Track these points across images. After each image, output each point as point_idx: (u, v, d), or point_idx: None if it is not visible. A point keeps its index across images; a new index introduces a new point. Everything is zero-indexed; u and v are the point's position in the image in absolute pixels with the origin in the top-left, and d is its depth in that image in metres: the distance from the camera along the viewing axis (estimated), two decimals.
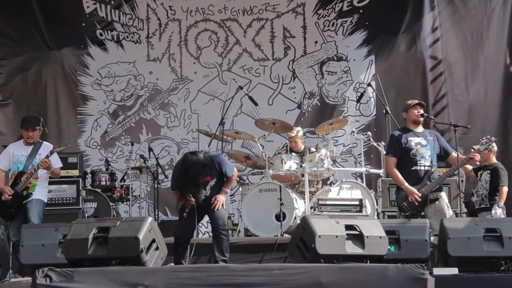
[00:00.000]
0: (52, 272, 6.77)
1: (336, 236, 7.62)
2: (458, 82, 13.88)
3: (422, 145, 9.25)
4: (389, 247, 7.97)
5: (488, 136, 9.55)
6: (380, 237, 7.78)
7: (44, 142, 10.08)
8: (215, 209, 8.74)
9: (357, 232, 7.72)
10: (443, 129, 12.96)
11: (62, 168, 10.30)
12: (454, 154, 9.39)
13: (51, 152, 9.72)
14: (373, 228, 7.83)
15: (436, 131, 11.50)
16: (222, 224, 8.74)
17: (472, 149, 9.53)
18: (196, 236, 11.21)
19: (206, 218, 9.14)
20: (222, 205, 8.79)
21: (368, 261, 7.63)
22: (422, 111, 9.41)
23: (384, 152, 10.28)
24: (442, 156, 9.43)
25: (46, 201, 9.91)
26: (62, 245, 8.07)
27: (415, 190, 9.05)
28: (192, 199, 8.62)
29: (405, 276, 6.99)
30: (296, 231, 8.27)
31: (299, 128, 11.99)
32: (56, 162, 9.95)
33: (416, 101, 9.55)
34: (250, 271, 7.06)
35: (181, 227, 8.85)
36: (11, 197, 9.59)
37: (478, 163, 9.88)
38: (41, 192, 9.82)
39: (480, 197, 10.83)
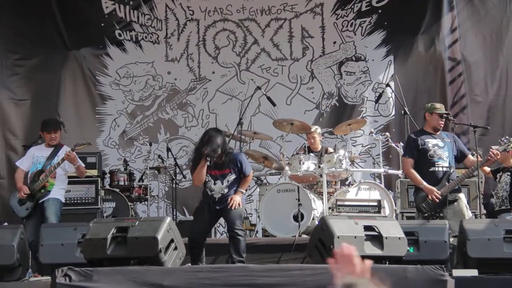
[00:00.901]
0: (72, 271, 6.81)
1: (355, 237, 7.61)
2: (478, 82, 13.81)
3: (440, 147, 9.22)
4: (408, 248, 7.95)
5: (507, 137, 9.50)
6: (399, 238, 7.76)
7: (65, 146, 10.16)
8: (231, 208, 8.71)
9: (376, 233, 7.71)
10: (462, 130, 12.92)
11: None
12: (471, 156, 9.39)
13: (72, 150, 9.78)
14: (392, 229, 7.81)
15: (455, 132, 11.51)
16: (238, 224, 8.71)
17: (491, 149, 9.48)
18: (214, 236, 11.26)
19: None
20: (239, 204, 8.77)
21: (387, 262, 7.62)
22: (442, 123, 9.38)
23: (402, 153, 10.25)
24: (459, 158, 9.40)
25: (63, 200, 9.96)
26: (81, 244, 8.11)
27: (434, 189, 9.02)
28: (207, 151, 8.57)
29: (424, 278, 6.98)
30: (314, 232, 8.27)
31: (317, 126, 11.99)
32: (78, 161, 10.01)
33: (445, 112, 9.50)
34: (269, 271, 7.07)
35: (194, 230, 8.83)
36: (26, 196, 9.65)
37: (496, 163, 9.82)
38: (58, 191, 9.86)
39: (500, 199, 10.78)
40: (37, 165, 9.92)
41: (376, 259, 7.57)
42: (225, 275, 6.99)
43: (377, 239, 7.70)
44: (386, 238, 7.68)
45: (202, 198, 9.06)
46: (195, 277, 6.95)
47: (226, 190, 8.81)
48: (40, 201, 9.73)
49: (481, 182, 11.59)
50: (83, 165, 10.17)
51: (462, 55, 13.85)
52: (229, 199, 8.76)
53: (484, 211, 11.34)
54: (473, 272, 7.79)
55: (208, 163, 8.64)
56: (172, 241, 7.80)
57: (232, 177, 8.83)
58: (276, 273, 7.04)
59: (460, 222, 8.33)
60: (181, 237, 8.23)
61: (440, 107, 9.50)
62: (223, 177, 8.80)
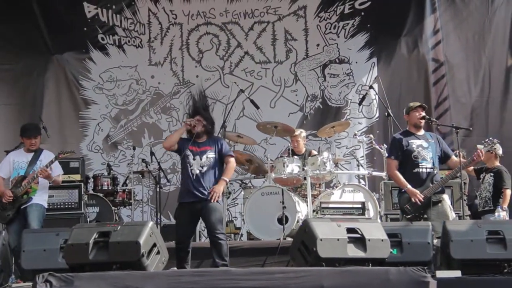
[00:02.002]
0: (52, 277, 6.76)
1: (338, 239, 7.59)
2: (461, 84, 13.84)
3: (424, 148, 9.23)
4: (391, 250, 7.93)
5: (490, 138, 9.53)
6: (382, 240, 7.75)
7: (45, 150, 10.14)
8: (211, 212, 8.68)
9: (359, 235, 7.69)
10: (445, 132, 12.93)
11: (64, 173, 10.34)
12: (454, 157, 9.39)
13: (55, 158, 9.79)
14: (374, 231, 7.80)
15: (438, 134, 11.51)
16: (219, 228, 8.71)
17: (478, 148, 9.47)
18: (199, 240, 11.24)
19: None
20: (218, 196, 8.74)
21: (370, 264, 7.60)
22: (423, 114, 9.38)
23: (386, 155, 10.25)
24: (443, 159, 9.40)
25: (46, 206, 9.93)
26: (63, 250, 8.06)
27: (418, 191, 9.02)
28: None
29: (407, 279, 6.96)
30: (297, 235, 8.24)
31: (302, 129, 11.99)
32: (57, 170, 9.99)
33: (418, 104, 9.52)
34: (252, 275, 7.04)
35: (180, 232, 8.84)
36: (11, 198, 9.61)
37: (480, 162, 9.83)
38: (41, 197, 9.84)
39: (484, 200, 10.80)
40: (18, 171, 9.87)
41: (359, 261, 7.58)
42: (207, 279, 6.96)
43: (360, 241, 7.67)
44: (369, 240, 7.66)
45: (179, 193, 9.05)
46: (177, 281, 6.91)
47: (204, 169, 8.81)
48: (23, 206, 9.68)
49: (465, 183, 11.61)
50: (61, 173, 10.10)
51: (445, 57, 13.88)
52: (210, 190, 8.73)
53: (468, 212, 11.36)
54: (457, 273, 7.77)
55: (188, 127, 8.89)
56: (154, 245, 7.75)
57: (211, 154, 8.87)
58: (259, 276, 7.01)
59: (443, 223, 8.31)
60: (166, 241, 8.21)
61: (413, 104, 9.53)
62: (202, 154, 8.85)
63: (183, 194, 8.95)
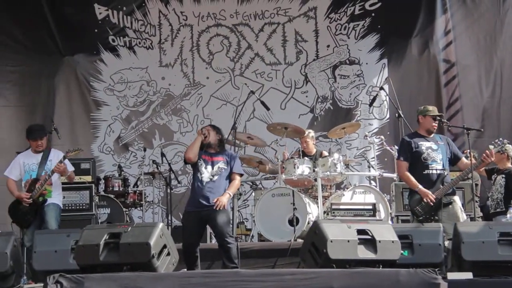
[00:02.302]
0: (63, 278, 6.78)
1: (348, 241, 7.59)
2: (472, 85, 13.81)
3: (433, 150, 9.20)
4: (402, 251, 7.92)
5: (501, 139, 9.51)
6: (393, 242, 7.74)
7: (53, 149, 10.20)
8: (217, 216, 8.71)
9: (369, 237, 7.68)
10: (457, 133, 12.91)
11: (75, 174, 10.37)
12: (464, 159, 9.37)
13: (64, 157, 9.76)
14: (385, 233, 7.79)
15: (450, 135, 11.50)
16: (226, 232, 8.76)
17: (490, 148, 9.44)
18: (210, 242, 11.23)
19: None
20: (224, 206, 8.76)
21: (381, 266, 7.59)
22: (436, 125, 9.37)
23: (396, 156, 10.22)
24: (453, 161, 9.37)
25: (62, 206, 9.96)
26: (74, 251, 8.08)
27: (429, 192, 8.99)
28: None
29: (417, 281, 6.96)
30: (307, 236, 8.24)
31: (310, 130, 11.98)
32: (69, 166, 9.98)
33: (438, 113, 9.48)
34: (261, 276, 7.05)
35: (187, 238, 8.86)
36: (30, 200, 9.62)
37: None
38: (57, 197, 9.86)
39: (495, 201, 10.74)
40: (30, 173, 9.87)
41: (370, 262, 7.57)
42: (217, 280, 6.97)
43: (370, 242, 7.67)
44: (380, 241, 7.65)
45: (188, 199, 9.11)
46: (187, 282, 6.92)
47: (215, 178, 8.89)
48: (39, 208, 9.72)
49: (477, 184, 11.58)
50: (72, 169, 10.11)
51: (456, 58, 13.85)
52: (215, 200, 8.75)
53: (480, 214, 11.34)
54: (468, 275, 7.75)
55: (202, 137, 8.96)
56: (164, 246, 7.78)
57: (222, 165, 8.95)
58: (268, 278, 7.02)
59: (455, 225, 8.30)
60: (177, 242, 8.22)
61: (432, 109, 9.48)
62: (214, 163, 8.93)
63: (190, 201, 9.03)
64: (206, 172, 8.89)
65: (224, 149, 9.18)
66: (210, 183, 8.85)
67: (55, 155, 9.94)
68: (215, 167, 8.91)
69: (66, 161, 9.84)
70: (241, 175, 9.22)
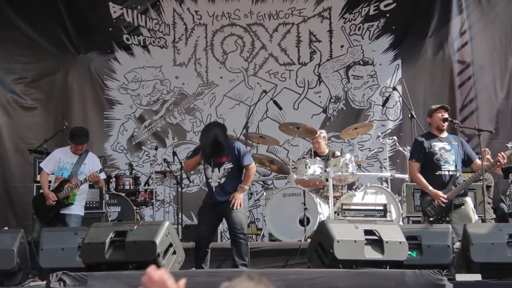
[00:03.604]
0: (66, 276, 6.79)
1: (355, 241, 7.56)
2: (487, 86, 13.73)
3: (446, 150, 9.16)
4: (410, 252, 7.88)
5: None
6: (400, 243, 7.70)
7: (90, 152, 10.31)
8: (233, 211, 8.63)
9: (376, 237, 7.65)
10: (470, 134, 12.83)
11: None
12: (478, 160, 9.31)
13: (101, 170, 9.96)
14: (392, 233, 7.75)
15: (463, 136, 11.43)
16: (240, 228, 8.64)
17: (499, 154, 9.38)
18: (220, 241, 11.23)
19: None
20: (240, 204, 8.67)
21: (388, 267, 7.55)
22: (446, 115, 9.30)
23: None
24: (466, 162, 9.34)
25: (83, 214, 10.05)
26: (80, 249, 8.09)
27: (440, 193, 8.94)
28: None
29: (423, 282, 6.91)
30: (314, 236, 8.23)
31: (322, 130, 11.94)
32: (102, 174, 10.16)
33: (439, 105, 9.45)
34: (266, 275, 6.99)
35: (201, 230, 8.80)
36: (54, 203, 9.73)
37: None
38: (80, 203, 9.98)
39: None
40: (63, 171, 10.01)
41: (376, 263, 7.53)
42: (222, 280, 6.89)
43: (377, 243, 7.63)
44: (387, 242, 7.62)
45: (204, 197, 9.04)
46: (192, 281, 6.89)
47: (223, 179, 8.75)
48: (62, 211, 9.83)
49: (490, 186, 11.50)
50: (104, 177, 10.34)
51: (472, 58, 13.77)
52: (231, 197, 8.67)
53: (493, 216, 11.27)
54: (477, 277, 7.72)
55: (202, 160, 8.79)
56: (170, 245, 7.77)
57: (229, 165, 8.76)
58: (273, 278, 6.94)
59: (464, 226, 8.27)
60: (188, 241, 8.21)
61: (434, 106, 9.49)
62: (220, 165, 8.75)
63: (207, 195, 8.95)
64: (213, 176, 8.77)
65: (227, 144, 8.78)
66: (219, 186, 8.75)
67: (91, 159, 10.13)
68: (221, 170, 8.75)
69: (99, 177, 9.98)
70: (251, 163, 8.93)
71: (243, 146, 9.20)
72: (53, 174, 10.07)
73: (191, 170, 8.94)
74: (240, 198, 8.68)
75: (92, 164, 10.02)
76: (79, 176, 9.89)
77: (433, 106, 9.50)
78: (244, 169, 8.86)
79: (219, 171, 8.76)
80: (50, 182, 10.10)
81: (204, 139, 8.73)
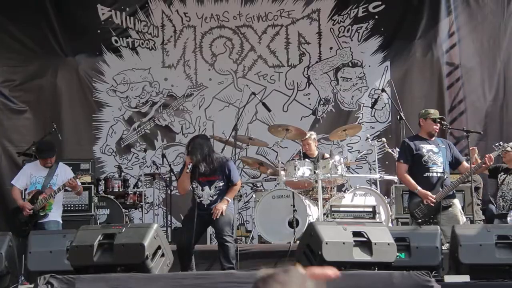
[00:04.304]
0: (54, 279, 6.76)
1: (343, 243, 7.55)
2: (475, 88, 13.75)
3: (434, 152, 9.18)
4: (398, 254, 7.88)
5: (501, 142, 9.51)
6: (388, 244, 7.70)
7: (60, 163, 10.29)
8: (214, 218, 8.67)
9: (365, 239, 7.64)
10: (459, 136, 12.87)
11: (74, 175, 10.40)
12: (465, 163, 9.35)
13: (75, 177, 9.93)
14: (381, 235, 7.74)
15: (452, 138, 11.45)
16: (227, 231, 8.68)
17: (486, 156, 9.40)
18: (210, 243, 11.22)
19: None
20: (222, 213, 8.69)
21: (376, 268, 7.55)
22: (438, 128, 9.33)
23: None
24: (454, 165, 9.36)
25: (61, 221, 10.03)
26: (68, 251, 8.06)
27: (429, 193, 8.95)
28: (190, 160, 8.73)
29: (411, 283, 6.92)
30: (303, 238, 8.21)
31: (312, 132, 11.95)
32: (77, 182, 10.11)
33: (439, 116, 9.44)
34: (254, 277, 6.96)
35: (182, 239, 8.80)
36: (31, 212, 9.71)
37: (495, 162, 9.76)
38: (57, 211, 9.97)
39: (509, 202, 10.69)
40: (36, 185, 10.00)
41: (365, 265, 7.53)
42: (210, 282, 6.95)
43: (366, 245, 7.62)
44: (375, 244, 7.61)
45: (191, 206, 9.02)
46: (179, 284, 6.89)
47: (215, 197, 8.79)
48: (40, 221, 9.82)
49: (479, 188, 11.53)
50: (80, 185, 10.23)
51: (460, 60, 13.79)
52: (213, 208, 8.71)
53: (482, 217, 11.29)
54: (465, 278, 7.73)
55: (187, 170, 8.73)
56: (159, 247, 7.75)
57: (220, 183, 8.83)
58: None
59: (452, 228, 8.27)
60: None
61: (434, 112, 9.46)
62: (210, 183, 8.81)
63: (192, 208, 8.94)
64: (204, 195, 8.80)
65: (217, 163, 8.84)
66: (210, 203, 8.79)
67: (62, 170, 10.11)
68: (212, 188, 8.79)
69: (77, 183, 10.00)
70: (239, 180, 9.18)
71: (233, 165, 9.27)
72: (25, 190, 10.08)
73: (186, 189, 8.86)
74: (222, 209, 8.71)
75: (64, 173, 10.04)
76: (53, 187, 9.89)
77: (432, 111, 9.43)
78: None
79: (210, 189, 8.79)
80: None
81: (193, 149, 8.79)
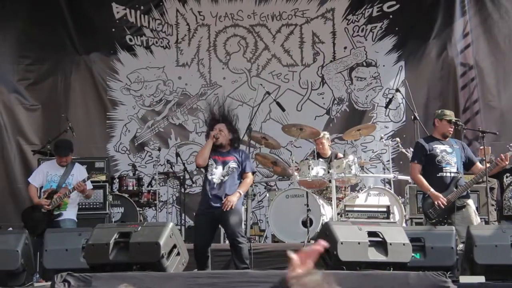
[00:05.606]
0: (71, 277, 6.79)
1: (359, 243, 7.53)
2: (490, 88, 13.71)
3: (448, 153, 9.16)
4: (413, 254, 7.87)
5: None
6: (404, 244, 7.68)
7: (77, 164, 10.31)
8: (229, 216, 8.62)
9: (380, 239, 7.62)
10: (474, 136, 12.83)
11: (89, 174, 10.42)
12: (479, 164, 9.34)
13: (88, 178, 9.94)
14: (396, 235, 7.73)
15: (466, 140, 11.42)
16: (238, 231, 8.65)
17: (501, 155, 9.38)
18: (224, 242, 11.22)
19: None
20: (232, 206, 8.63)
21: (391, 269, 7.54)
22: (452, 129, 9.32)
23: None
24: (467, 166, 9.32)
25: (76, 220, 10.05)
26: (84, 250, 8.09)
27: (440, 195, 8.94)
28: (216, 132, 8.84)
29: (426, 284, 6.90)
30: (318, 238, 8.21)
31: (325, 131, 11.94)
32: (88, 185, 10.08)
33: (455, 119, 9.41)
34: (269, 277, 7.01)
35: (198, 239, 8.80)
36: (50, 207, 9.73)
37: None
38: (72, 211, 9.99)
39: None
40: (51, 183, 10.01)
41: (380, 265, 7.52)
42: (225, 281, 6.95)
43: (381, 245, 7.61)
44: (391, 244, 7.59)
45: (200, 200, 9.04)
46: (194, 282, 6.90)
47: (226, 178, 8.77)
48: (55, 219, 9.82)
49: (493, 188, 11.48)
50: (91, 187, 10.23)
51: (474, 60, 13.75)
52: (224, 200, 8.67)
53: (496, 218, 11.25)
54: (480, 279, 7.71)
55: (216, 137, 8.84)
56: (174, 246, 7.75)
57: (233, 165, 8.83)
58: (276, 279, 6.90)
59: (467, 228, 8.25)
60: (191, 242, 8.20)
61: (449, 113, 9.42)
62: (224, 163, 8.82)
63: (202, 202, 8.92)
64: (216, 173, 8.78)
65: (237, 148, 9.04)
66: (221, 184, 8.76)
67: (78, 171, 10.13)
68: (226, 168, 8.79)
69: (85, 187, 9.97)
70: (253, 173, 9.19)
71: (248, 155, 9.35)
72: (41, 188, 10.09)
73: (205, 161, 8.82)
74: (232, 201, 8.65)
75: (79, 174, 10.05)
76: (68, 187, 9.91)
77: (448, 113, 9.35)
78: (242, 178, 8.93)
79: (223, 169, 8.79)
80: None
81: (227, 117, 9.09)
